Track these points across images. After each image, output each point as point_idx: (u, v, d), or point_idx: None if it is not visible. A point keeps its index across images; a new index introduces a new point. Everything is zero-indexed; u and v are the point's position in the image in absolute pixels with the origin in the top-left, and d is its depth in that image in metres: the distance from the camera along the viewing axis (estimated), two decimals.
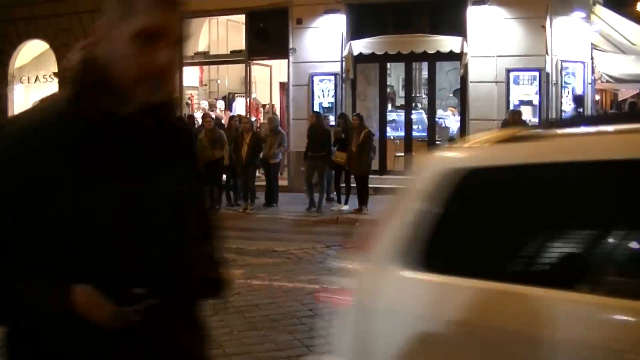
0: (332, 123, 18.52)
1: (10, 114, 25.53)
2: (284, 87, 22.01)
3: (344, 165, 16.45)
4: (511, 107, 17.77)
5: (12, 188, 2.01)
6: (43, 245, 2.03)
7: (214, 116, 19.55)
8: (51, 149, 2.01)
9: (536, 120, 17.77)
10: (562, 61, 18.62)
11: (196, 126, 17.93)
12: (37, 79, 26.04)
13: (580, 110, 17.94)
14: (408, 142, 19.77)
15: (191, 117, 19.28)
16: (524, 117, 16.38)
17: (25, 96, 26.01)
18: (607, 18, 19.46)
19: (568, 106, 18.80)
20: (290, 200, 18.43)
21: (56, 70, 24.53)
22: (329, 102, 19.74)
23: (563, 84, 18.72)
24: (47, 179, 2.00)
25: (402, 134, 19.97)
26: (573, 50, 18.73)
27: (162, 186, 2.15)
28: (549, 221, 3.27)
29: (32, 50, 25.80)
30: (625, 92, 23.03)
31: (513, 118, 15.75)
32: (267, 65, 22.51)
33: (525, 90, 18.22)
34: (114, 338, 2.02)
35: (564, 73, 18.71)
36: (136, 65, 2.05)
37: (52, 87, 25.09)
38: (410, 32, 19.08)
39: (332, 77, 19.68)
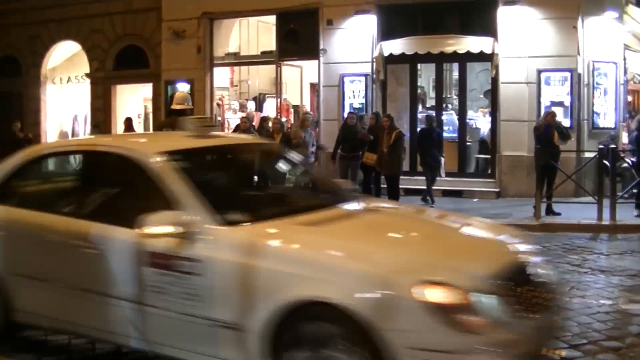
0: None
1: (42, 114, 25.81)
2: (314, 87, 22.04)
3: (374, 166, 16.47)
4: (542, 108, 17.69)
5: None
6: None
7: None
8: None
9: (568, 121, 17.67)
10: (594, 62, 18.47)
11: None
12: (69, 79, 26.26)
13: None
14: None
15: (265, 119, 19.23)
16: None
17: (57, 97, 26.25)
18: None
19: (600, 107, 18.67)
20: None
21: (88, 71, 24.75)
22: (359, 103, 19.72)
23: (595, 85, 18.56)
24: None
25: None
26: (605, 51, 18.57)
27: None
28: None
29: (64, 52, 26.03)
30: None
31: (546, 119, 15.68)
32: (298, 66, 22.53)
33: (556, 91, 18.08)
34: None
35: (595, 74, 18.54)
36: None
37: (83, 88, 25.34)
38: (440, 32, 19.03)
39: (363, 78, 19.67)
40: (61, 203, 6.94)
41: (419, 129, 18.95)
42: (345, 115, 18.51)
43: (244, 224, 5.62)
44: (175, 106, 11.07)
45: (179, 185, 5.81)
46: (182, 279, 5.43)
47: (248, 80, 24.51)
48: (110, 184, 6.82)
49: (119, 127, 24.15)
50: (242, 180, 7.40)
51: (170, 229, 5.48)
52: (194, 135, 7.05)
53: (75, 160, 7.83)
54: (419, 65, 20.53)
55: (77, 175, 7.78)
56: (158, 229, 5.49)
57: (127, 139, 7.77)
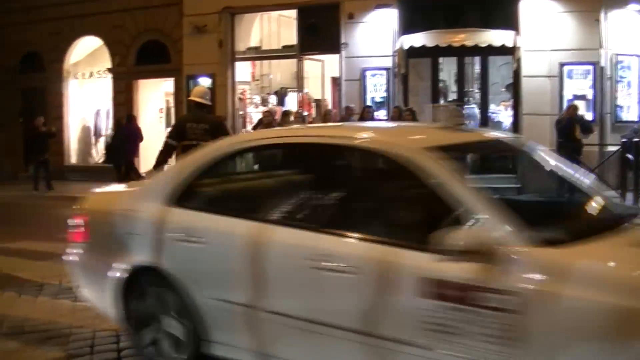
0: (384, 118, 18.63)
1: (65, 109, 25.98)
2: (336, 82, 22.03)
3: None
4: (565, 102, 17.63)
5: None
6: None
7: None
8: None
9: (591, 114, 17.60)
10: (617, 55, 18.37)
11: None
12: (91, 74, 26.46)
13: None
14: None
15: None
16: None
17: (79, 92, 26.40)
18: None
19: (623, 100, 18.57)
20: None
21: (110, 66, 24.88)
22: (381, 97, 19.73)
23: (618, 78, 18.47)
24: None
25: None
26: (628, 44, 18.46)
27: None
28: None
29: (86, 47, 26.22)
30: None
31: (568, 112, 15.64)
32: (319, 60, 22.51)
33: (579, 85, 18.01)
34: None
35: (618, 67, 18.45)
36: None
37: (105, 83, 25.47)
38: (462, 26, 18.96)
39: (384, 72, 19.67)
40: (279, 210, 5.41)
41: None
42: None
43: (566, 244, 4.18)
44: (195, 98, 11.07)
45: (470, 191, 4.44)
46: (487, 316, 4.08)
47: (269, 75, 24.55)
48: (354, 187, 5.49)
49: (141, 122, 24.27)
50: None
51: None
52: (447, 127, 5.58)
53: (286, 156, 6.75)
54: (440, 59, 20.46)
55: (295, 176, 6.29)
56: (461, 247, 4.12)
57: (364, 130, 5.82)
